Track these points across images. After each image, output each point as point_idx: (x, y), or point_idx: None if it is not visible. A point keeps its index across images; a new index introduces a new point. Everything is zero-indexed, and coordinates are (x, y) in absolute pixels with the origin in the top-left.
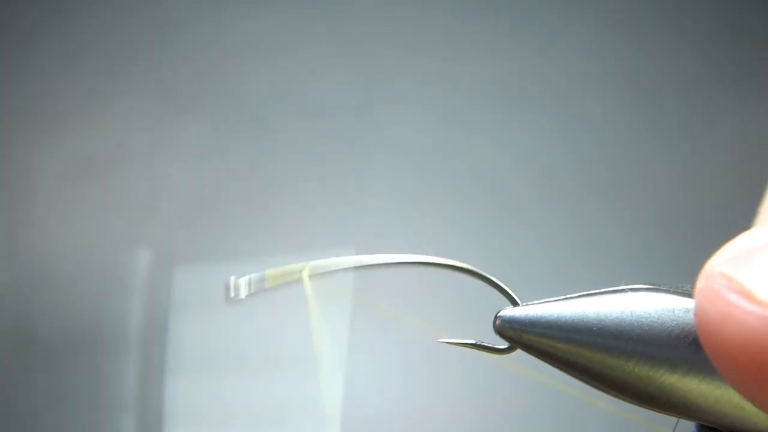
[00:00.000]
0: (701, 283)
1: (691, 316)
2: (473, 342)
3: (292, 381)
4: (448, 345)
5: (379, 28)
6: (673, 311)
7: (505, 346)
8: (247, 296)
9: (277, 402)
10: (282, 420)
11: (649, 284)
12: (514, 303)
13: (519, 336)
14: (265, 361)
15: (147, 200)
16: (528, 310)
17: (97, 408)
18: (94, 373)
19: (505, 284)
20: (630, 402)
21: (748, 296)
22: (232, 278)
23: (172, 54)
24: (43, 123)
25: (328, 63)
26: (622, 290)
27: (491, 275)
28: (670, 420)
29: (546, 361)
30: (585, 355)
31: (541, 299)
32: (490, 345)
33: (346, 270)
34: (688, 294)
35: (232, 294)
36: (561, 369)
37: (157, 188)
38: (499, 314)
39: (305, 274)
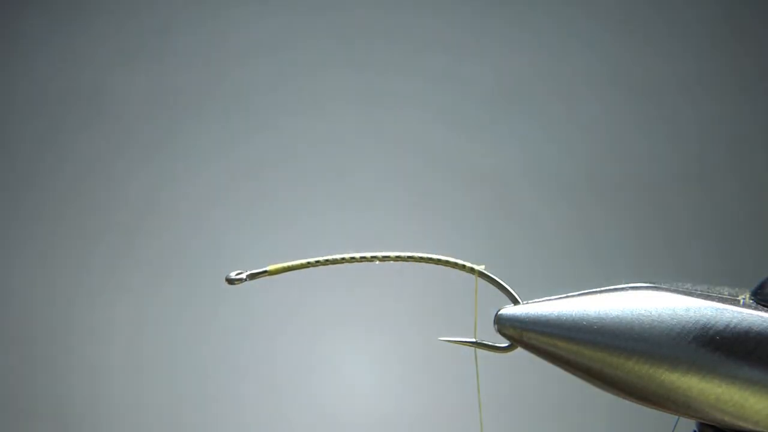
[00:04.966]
0: None
1: (691, 314)
2: (474, 340)
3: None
4: (449, 343)
5: (379, 29)
6: (674, 310)
7: (506, 345)
8: (247, 279)
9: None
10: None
11: (650, 283)
12: (515, 301)
13: (520, 334)
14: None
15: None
16: (529, 309)
17: None
18: None
19: (505, 282)
20: (631, 400)
21: None
22: (234, 272)
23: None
24: (43, 123)
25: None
26: (623, 289)
27: (492, 273)
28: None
29: (547, 359)
30: (586, 353)
31: (542, 298)
32: (490, 343)
33: (350, 264)
34: (689, 292)
35: (233, 276)
36: (562, 367)
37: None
38: (499, 312)
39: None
